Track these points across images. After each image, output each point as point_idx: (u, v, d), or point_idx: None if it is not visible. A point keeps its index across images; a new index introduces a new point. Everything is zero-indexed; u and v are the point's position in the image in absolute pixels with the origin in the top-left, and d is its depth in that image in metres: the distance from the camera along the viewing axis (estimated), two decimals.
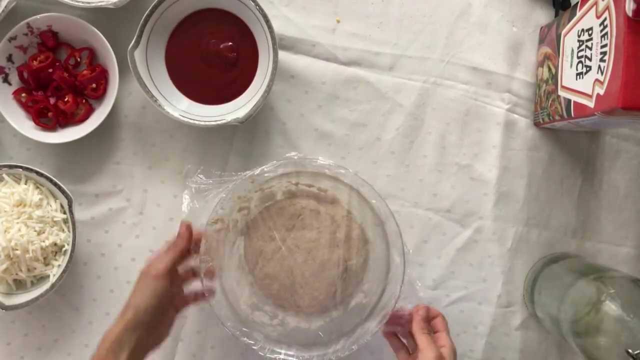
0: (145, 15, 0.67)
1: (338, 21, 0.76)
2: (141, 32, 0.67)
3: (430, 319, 0.64)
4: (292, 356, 0.66)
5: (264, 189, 0.70)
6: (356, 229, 0.70)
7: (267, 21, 0.67)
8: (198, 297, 0.67)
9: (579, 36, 0.64)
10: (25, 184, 0.68)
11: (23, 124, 0.70)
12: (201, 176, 0.68)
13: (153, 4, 0.67)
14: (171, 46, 0.71)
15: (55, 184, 0.67)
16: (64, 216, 0.68)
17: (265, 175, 0.67)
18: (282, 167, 0.68)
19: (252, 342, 0.66)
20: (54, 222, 0.68)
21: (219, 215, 0.68)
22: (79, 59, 0.72)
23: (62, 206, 0.68)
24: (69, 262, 0.67)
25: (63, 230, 0.68)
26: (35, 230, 0.66)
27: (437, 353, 0.58)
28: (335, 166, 0.68)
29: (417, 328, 0.61)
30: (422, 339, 0.60)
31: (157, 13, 0.67)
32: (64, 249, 0.68)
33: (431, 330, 0.63)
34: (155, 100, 0.68)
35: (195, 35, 0.71)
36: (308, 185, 0.70)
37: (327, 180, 0.70)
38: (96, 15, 0.72)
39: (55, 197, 0.69)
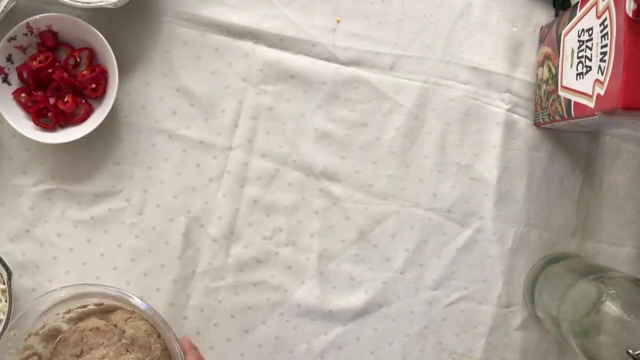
0: None
1: (338, 21, 0.76)
2: None
3: None
4: None
5: (38, 332, 0.64)
6: (143, 325, 0.65)
7: None
8: None
9: (579, 36, 0.64)
10: None
11: (22, 124, 0.69)
12: None
13: None
14: None
15: None
16: (3, 287, 0.66)
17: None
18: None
19: None
20: None
21: None
22: (78, 59, 0.72)
23: (1, 276, 0.67)
24: (1, 332, 0.64)
25: (0, 300, 0.66)
26: None
27: None
28: (94, 286, 0.63)
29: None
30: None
31: None
32: None
33: None
34: None
35: None
36: (96, 304, 0.66)
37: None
38: (96, 15, 0.72)
39: None
